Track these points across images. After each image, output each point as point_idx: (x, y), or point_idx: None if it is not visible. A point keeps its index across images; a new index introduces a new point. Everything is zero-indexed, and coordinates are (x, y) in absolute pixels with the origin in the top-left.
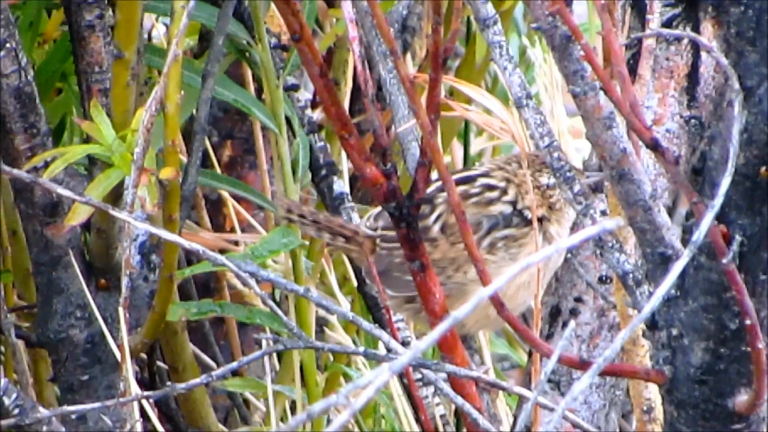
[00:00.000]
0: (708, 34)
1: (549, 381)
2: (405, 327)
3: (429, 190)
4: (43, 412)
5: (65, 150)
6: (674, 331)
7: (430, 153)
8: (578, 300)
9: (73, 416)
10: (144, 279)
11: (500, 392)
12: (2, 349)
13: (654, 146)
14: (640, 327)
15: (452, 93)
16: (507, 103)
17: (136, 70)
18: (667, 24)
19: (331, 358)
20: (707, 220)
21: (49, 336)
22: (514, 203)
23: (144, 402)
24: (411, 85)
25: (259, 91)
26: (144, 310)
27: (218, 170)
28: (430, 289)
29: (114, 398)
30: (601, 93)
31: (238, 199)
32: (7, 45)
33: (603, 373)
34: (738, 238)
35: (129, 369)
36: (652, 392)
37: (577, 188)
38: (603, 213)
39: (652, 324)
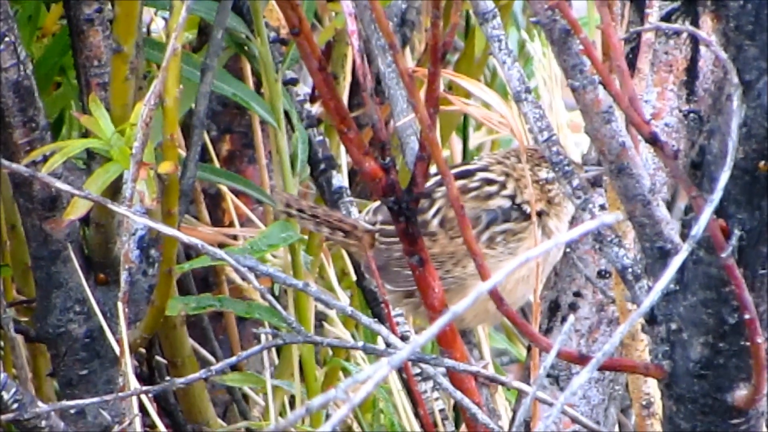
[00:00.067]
0: (707, 28)
1: (548, 376)
2: (404, 322)
3: (428, 184)
4: (42, 406)
5: (64, 144)
6: (673, 326)
7: (429, 147)
8: (577, 294)
9: (72, 411)
10: (143, 273)
11: (499, 387)
12: (1, 343)
13: (653, 140)
14: (639, 321)
15: (451, 87)
16: (506, 97)
17: (135, 64)
18: (666, 18)
19: (330, 353)
20: (706, 214)
21: (48, 330)
22: (512, 197)
23: (143, 396)
24: (410, 79)
25: (258, 85)
26: (143, 304)
27: (217, 164)
28: (429, 284)
29: (113, 393)
30: (600, 87)
31: (236, 193)
32: (6, 39)
33: (602, 368)
34: (737, 232)
35: (128, 363)
36: (651, 387)
37: (575, 182)
38: (602, 207)
39: (651, 318)
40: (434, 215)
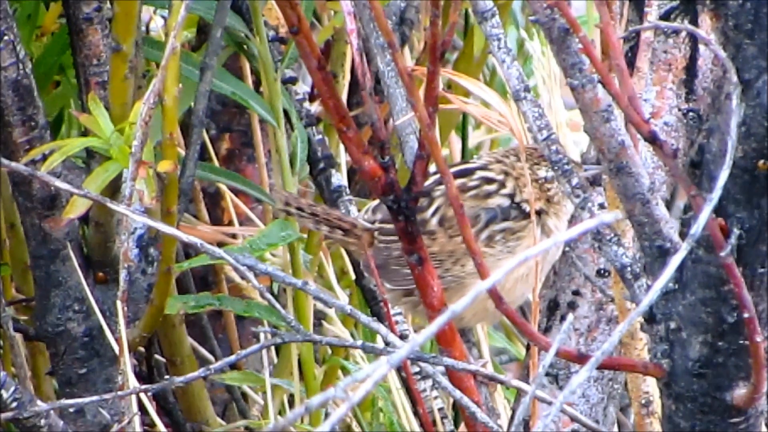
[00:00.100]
0: (706, 27)
1: (547, 374)
2: (403, 320)
3: (427, 183)
4: (41, 405)
5: (63, 143)
6: (672, 325)
7: (428, 146)
8: (576, 293)
9: (71, 409)
10: (142, 272)
11: (498, 385)
12: (0, 342)
13: (652, 139)
14: (638, 320)
15: (450, 86)
16: (505, 95)
17: (134, 63)
18: (665, 17)
19: (329, 352)
20: (705, 213)
21: (47, 329)
22: (512, 196)
23: (142, 395)
24: (409, 78)
25: (257, 84)
26: (142, 303)
27: (216, 163)
28: (428, 283)
29: (112, 391)
30: (599, 86)
31: (236, 192)
32: (5, 37)
33: (601, 367)
34: (736, 231)
35: (127, 362)
36: (651, 386)
37: (575, 181)
38: (601, 206)
39: (650, 317)
40: (433, 214)
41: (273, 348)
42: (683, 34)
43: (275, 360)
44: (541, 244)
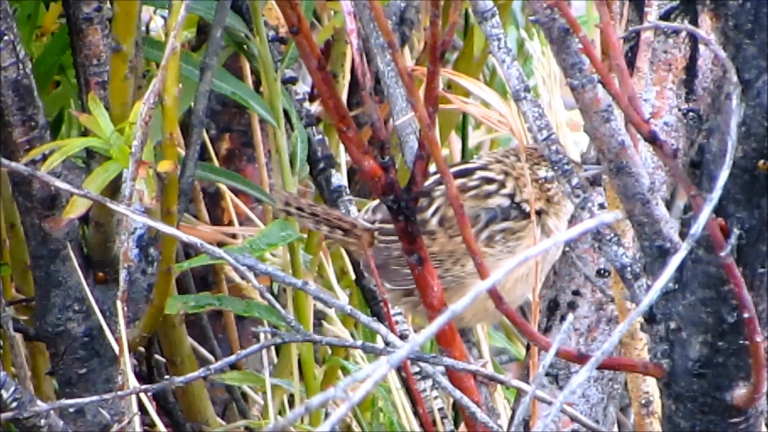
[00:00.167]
0: (706, 27)
1: (547, 374)
2: (403, 320)
3: (427, 183)
4: (41, 405)
5: (63, 143)
6: (672, 325)
7: (428, 146)
8: (576, 293)
9: (71, 409)
10: (142, 272)
11: (498, 385)
12: (0, 342)
13: (652, 139)
14: (638, 320)
15: (450, 86)
16: (505, 95)
17: (134, 63)
18: (665, 17)
19: (329, 352)
20: (705, 213)
21: (47, 329)
22: (512, 196)
23: (142, 395)
24: (409, 78)
25: (257, 84)
26: (142, 303)
27: (216, 163)
28: (428, 283)
29: (112, 391)
30: (599, 86)
31: (236, 192)
32: (5, 37)
33: (601, 367)
34: (736, 231)
35: (127, 362)
36: (651, 386)
37: (575, 181)
38: (601, 206)
39: (650, 317)
40: (433, 214)
41: (273, 348)
42: (683, 34)
43: (275, 360)
44: (541, 244)
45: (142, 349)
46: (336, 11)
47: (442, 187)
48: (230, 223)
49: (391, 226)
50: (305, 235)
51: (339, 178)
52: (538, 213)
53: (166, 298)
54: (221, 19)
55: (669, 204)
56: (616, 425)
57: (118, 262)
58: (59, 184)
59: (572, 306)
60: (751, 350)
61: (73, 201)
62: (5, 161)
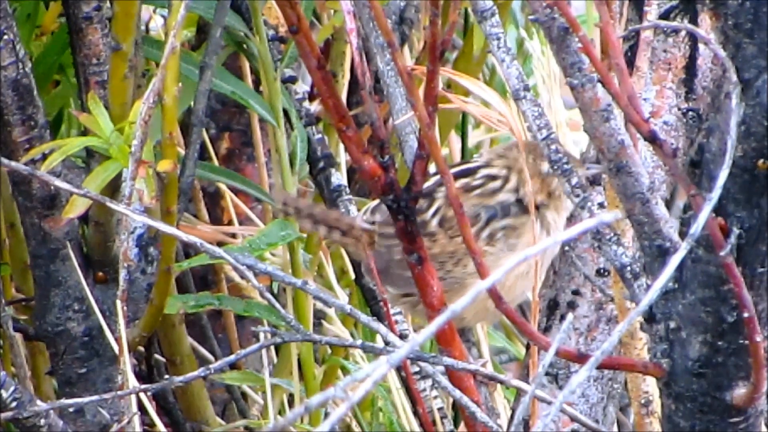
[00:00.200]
0: (706, 26)
1: (547, 374)
2: (403, 320)
3: (429, 183)
4: (40, 405)
5: (63, 142)
6: (672, 324)
7: (428, 145)
8: (576, 293)
9: (71, 409)
10: (142, 272)
11: (498, 385)
12: (0, 342)
13: (652, 138)
14: (637, 320)
15: (450, 85)
16: (505, 95)
17: (133, 62)
18: (665, 16)
19: (329, 351)
20: (705, 212)
21: (47, 329)
22: (516, 190)
23: (142, 395)
24: (409, 77)
25: (257, 83)
26: (142, 303)
27: (216, 163)
28: (428, 283)
29: (112, 391)
30: (599, 85)
31: (235, 191)
32: (5, 37)
33: (601, 366)
34: (736, 230)
35: (127, 362)
36: (650, 385)
37: (574, 181)
38: (601, 205)
39: (649, 317)
40: (434, 215)
41: (273, 348)
42: (683, 33)
43: (275, 360)
44: (541, 243)
45: (141, 348)
46: (335, 10)
47: (444, 188)
48: (230, 223)
49: (391, 229)
50: (305, 235)
51: (339, 178)
52: (538, 207)
53: (166, 298)
54: (221, 19)
55: (669, 203)
56: (615, 425)
57: (117, 262)
58: (59, 183)
59: (572, 305)
60: (750, 350)
61: (72, 200)
62: (5, 160)
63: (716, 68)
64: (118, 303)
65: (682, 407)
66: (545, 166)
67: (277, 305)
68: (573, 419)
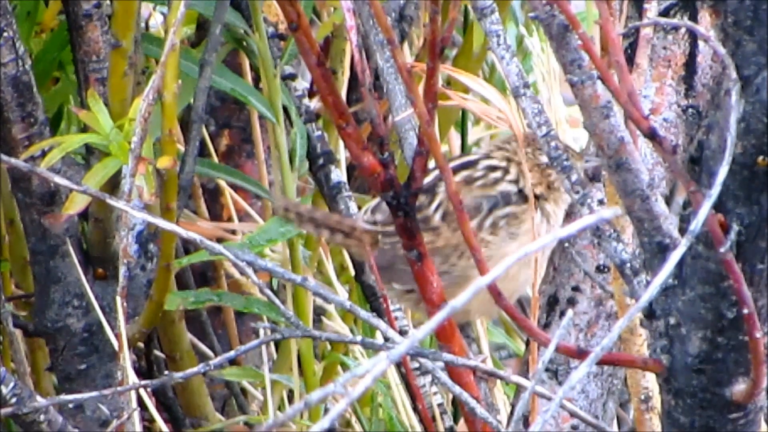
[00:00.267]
0: (705, 24)
1: (546, 370)
2: (402, 316)
3: (430, 178)
4: (40, 401)
5: (63, 139)
6: (672, 321)
7: (428, 142)
8: (576, 289)
9: (71, 405)
10: (141, 268)
11: (498, 381)
12: (0, 338)
13: (651, 135)
14: (637, 316)
15: (449, 82)
16: (504, 92)
17: (133, 60)
18: (665, 13)
19: (329, 347)
20: (705, 209)
21: (47, 325)
22: (517, 182)
23: (141, 391)
24: (408, 75)
25: (257, 80)
26: (141, 299)
27: (216, 159)
28: (428, 279)
29: (111, 387)
30: (599, 82)
31: (235, 188)
32: (5, 34)
33: (600, 362)
34: (735, 227)
35: (126, 358)
36: (650, 381)
37: (574, 177)
38: (600, 202)
39: (649, 313)
40: (436, 209)
41: (272, 344)
42: (683, 30)
43: (275, 356)
44: (541, 240)
45: (141, 344)
46: (335, 8)
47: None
48: (229, 219)
49: (393, 227)
50: (304, 231)
51: (338, 175)
52: (537, 197)
53: (166, 294)
54: (220, 16)
55: (668, 200)
56: (615, 421)
57: (117, 258)
58: (58, 180)
59: (572, 302)
60: (750, 346)
61: (72, 197)
62: (5, 157)
63: (716, 65)
64: (118, 299)
65: (681, 403)
66: (544, 158)
67: (277, 301)
68: (573, 415)
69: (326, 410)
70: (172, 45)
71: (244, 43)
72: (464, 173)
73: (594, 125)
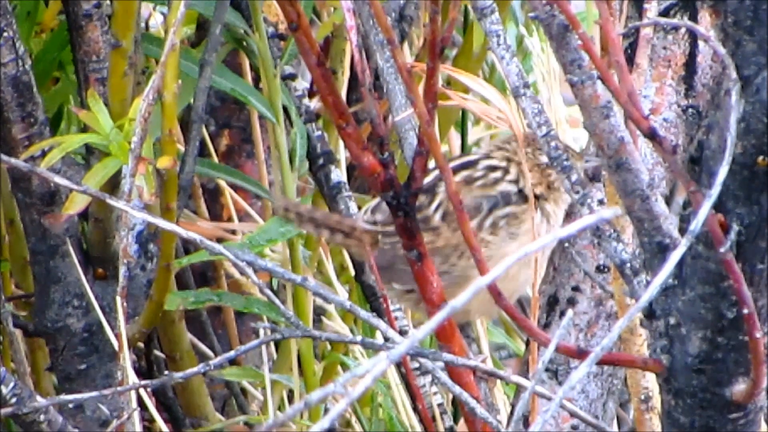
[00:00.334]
0: (705, 24)
1: (546, 370)
2: (402, 316)
3: (430, 178)
4: (40, 401)
5: (63, 139)
6: (672, 320)
7: (428, 142)
8: (576, 289)
9: (71, 405)
10: (141, 268)
11: (498, 381)
12: (0, 338)
13: (651, 135)
14: (637, 316)
15: (449, 82)
16: (504, 92)
17: (133, 60)
18: (665, 13)
19: (329, 347)
20: (705, 209)
21: (47, 325)
22: (517, 182)
23: (141, 391)
24: (408, 75)
25: (257, 80)
26: (141, 299)
27: (216, 159)
28: (428, 279)
29: (111, 387)
30: (599, 82)
31: (235, 188)
32: (5, 34)
33: (600, 362)
34: (735, 227)
35: (126, 358)
36: (650, 381)
37: (574, 177)
38: (600, 202)
39: (649, 313)
40: (436, 209)
41: (272, 344)
42: (683, 30)
43: (275, 356)
44: (541, 240)
45: (141, 344)
46: (335, 8)
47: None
48: (229, 219)
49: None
50: (304, 231)
51: (338, 174)
52: (537, 197)
53: (166, 294)
54: (220, 16)
55: (668, 200)
56: (615, 421)
57: (117, 258)
58: (58, 180)
59: (572, 302)
60: (750, 346)
61: (72, 197)
62: (5, 157)
63: (716, 65)
64: (118, 299)
65: (681, 403)
66: (544, 158)
67: (277, 301)
68: (573, 415)
69: (326, 410)
70: (172, 45)
71: (244, 43)
72: (464, 173)
73: (594, 125)
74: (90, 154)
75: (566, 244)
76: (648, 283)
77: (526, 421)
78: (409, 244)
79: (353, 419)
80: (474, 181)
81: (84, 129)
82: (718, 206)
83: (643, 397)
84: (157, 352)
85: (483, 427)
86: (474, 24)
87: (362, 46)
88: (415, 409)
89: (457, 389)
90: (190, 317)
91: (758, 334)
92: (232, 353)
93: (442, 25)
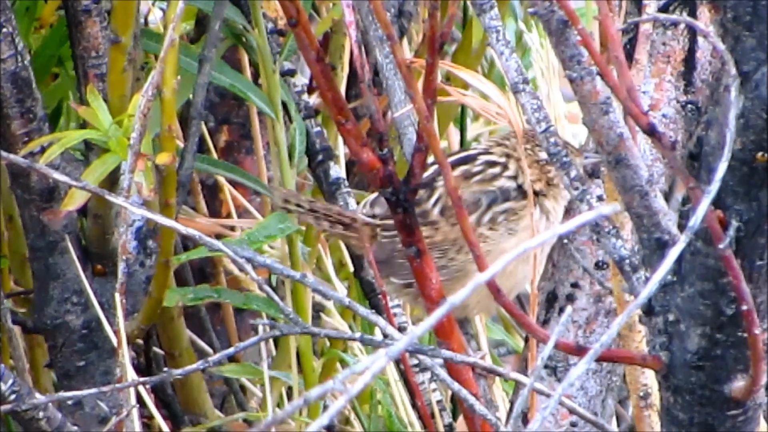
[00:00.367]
0: (705, 19)
1: (545, 367)
2: (401, 313)
3: (428, 173)
4: (39, 398)
5: (62, 135)
6: (671, 317)
7: (427, 138)
8: (575, 285)
9: (70, 402)
10: (140, 264)
11: (497, 378)
12: None
13: (651, 131)
14: (636, 313)
15: (449, 78)
16: (504, 88)
17: (132, 55)
18: (664, 9)
19: (328, 344)
20: (704, 205)
21: (46, 322)
22: (515, 178)
23: (140, 388)
24: (407, 70)
25: (256, 76)
26: (140, 295)
27: (215, 155)
28: (427, 275)
29: (110, 384)
30: (598, 78)
31: (234, 184)
32: (4, 30)
33: (599, 359)
34: (735, 223)
35: (125, 355)
36: (649, 378)
37: (573, 173)
38: (599, 198)
39: (648, 310)
40: (435, 204)
41: (271, 340)
42: (682, 26)
43: (273, 352)
44: (540, 236)
45: (140, 341)
46: (334, 3)
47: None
48: (228, 216)
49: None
50: (303, 228)
51: (337, 171)
52: (536, 193)
53: (165, 291)
54: (220, 11)
55: (667, 196)
56: (614, 418)
57: (116, 255)
58: (58, 176)
59: (571, 298)
60: (749, 342)
61: (71, 193)
62: (4, 153)
63: (715, 61)
64: (117, 296)
65: (680, 400)
66: (543, 154)
67: (276, 298)
68: (572, 412)
69: (325, 407)
70: (172, 41)
71: (244, 39)
72: (463, 168)
73: (593, 121)
74: (89, 150)
75: (565, 241)
76: (647, 279)
77: (525, 418)
78: (408, 240)
79: (352, 416)
80: (472, 177)
81: (83, 125)
82: (717, 202)
83: (642, 394)
84: (156, 349)
85: (482, 424)
86: (473, 20)
87: (361, 42)
88: (414, 405)
89: (456, 386)
90: (189, 314)
91: (757, 331)
92: (231, 350)
93: (441, 20)
